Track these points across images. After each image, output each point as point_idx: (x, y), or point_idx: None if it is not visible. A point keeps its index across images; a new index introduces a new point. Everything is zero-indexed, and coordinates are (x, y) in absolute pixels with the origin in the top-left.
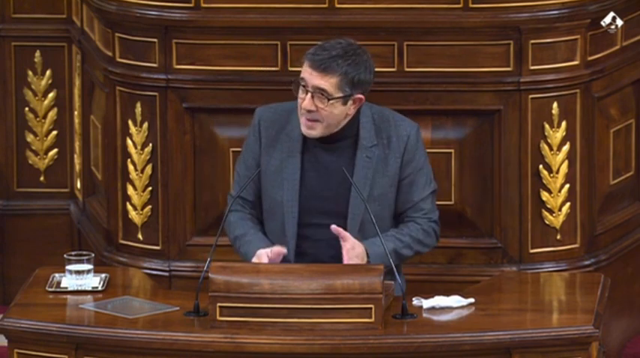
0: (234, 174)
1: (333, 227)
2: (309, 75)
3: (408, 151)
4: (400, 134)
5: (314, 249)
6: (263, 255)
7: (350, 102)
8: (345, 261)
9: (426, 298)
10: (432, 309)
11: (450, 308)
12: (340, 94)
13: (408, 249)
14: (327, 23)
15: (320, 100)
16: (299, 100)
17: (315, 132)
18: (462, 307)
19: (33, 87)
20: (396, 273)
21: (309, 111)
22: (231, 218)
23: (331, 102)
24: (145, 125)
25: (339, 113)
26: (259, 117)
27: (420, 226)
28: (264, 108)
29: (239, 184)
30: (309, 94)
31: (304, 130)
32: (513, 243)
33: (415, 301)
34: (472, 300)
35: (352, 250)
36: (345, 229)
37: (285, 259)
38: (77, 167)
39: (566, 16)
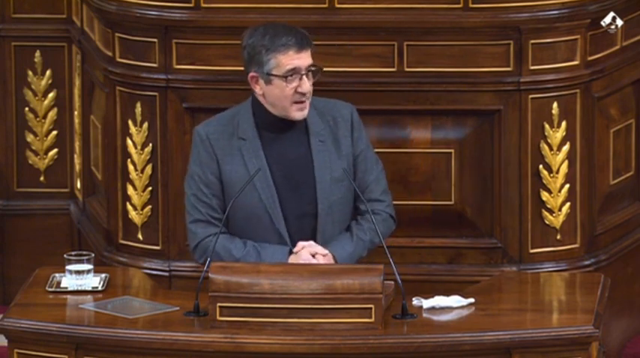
0: (186, 200)
1: (300, 244)
2: (298, 60)
3: (355, 128)
4: (342, 113)
5: (299, 238)
6: (305, 254)
7: None
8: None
9: (426, 298)
10: (432, 309)
11: (450, 308)
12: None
13: (371, 244)
14: (327, 23)
15: (311, 78)
16: (288, 90)
17: (307, 111)
18: (462, 307)
19: (33, 87)
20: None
21: (305, 94)
22: (215, 245)
23: (316, 74)
24: (145, 125)
25: None
26: (205, 133)
27: (379, 216)
28: (204, 124)
29: (198, 207)
30: (304, 77)
31: (298, 115)
32: (513, 243)
33: (415, 301)
34: (472, 300)
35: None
36: (317, 213)
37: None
38: (77, 167)
39: (566, 16)
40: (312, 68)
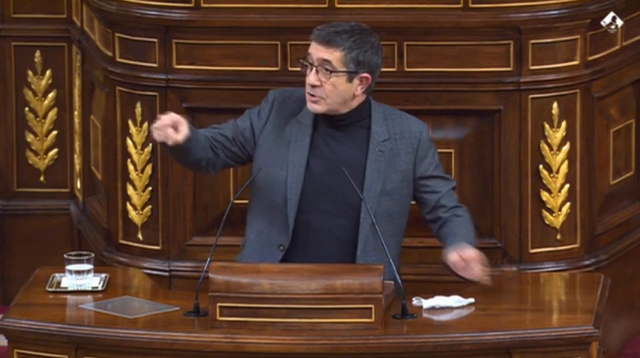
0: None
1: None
2: (314, 49)
3: (421, 147)
4: (412, 130)
5: (308, 235)
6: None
7: (356, 80)
8: (477, 271)
9: (426, 298)
10: (432, 309)
11: (450, 308)
12: (344, 69)
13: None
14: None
15: (323, 74)
16: (306, 77)
17: (320, 107)
18: (462, 307)
19: (33, 87)
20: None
21: (313, 87)
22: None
23: (334, 75)
24: (145, 125)
25: (343, 89)
26: (274, 97)
27: (464, 218)
28: (280, 90)
29: (210, 128)
30: (314, 69)
31: (309, 105)
32: (513, 243)
33: (415, 301)
34: (472, 300)
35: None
36: (359, 222)
37: (280, 244)
38: (77, 167)
39: (566, 16)
40: (323, 64)
